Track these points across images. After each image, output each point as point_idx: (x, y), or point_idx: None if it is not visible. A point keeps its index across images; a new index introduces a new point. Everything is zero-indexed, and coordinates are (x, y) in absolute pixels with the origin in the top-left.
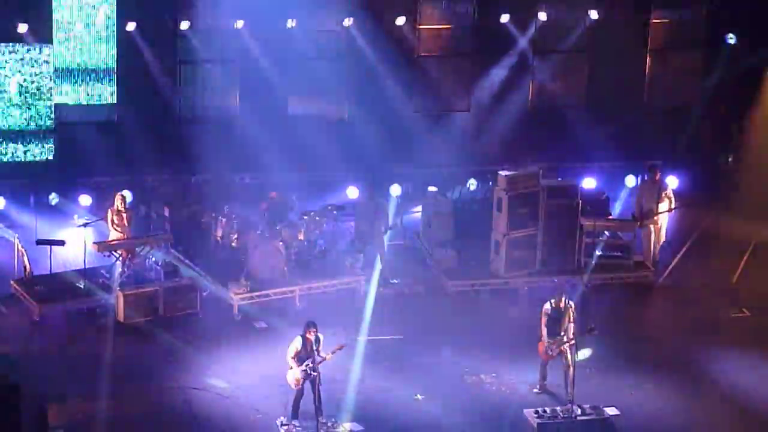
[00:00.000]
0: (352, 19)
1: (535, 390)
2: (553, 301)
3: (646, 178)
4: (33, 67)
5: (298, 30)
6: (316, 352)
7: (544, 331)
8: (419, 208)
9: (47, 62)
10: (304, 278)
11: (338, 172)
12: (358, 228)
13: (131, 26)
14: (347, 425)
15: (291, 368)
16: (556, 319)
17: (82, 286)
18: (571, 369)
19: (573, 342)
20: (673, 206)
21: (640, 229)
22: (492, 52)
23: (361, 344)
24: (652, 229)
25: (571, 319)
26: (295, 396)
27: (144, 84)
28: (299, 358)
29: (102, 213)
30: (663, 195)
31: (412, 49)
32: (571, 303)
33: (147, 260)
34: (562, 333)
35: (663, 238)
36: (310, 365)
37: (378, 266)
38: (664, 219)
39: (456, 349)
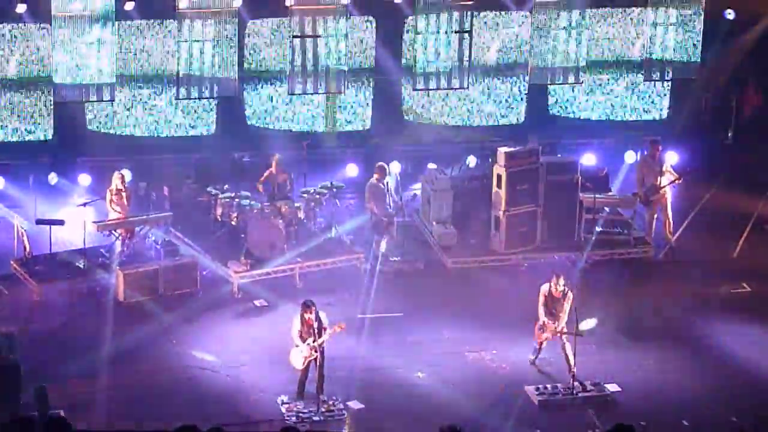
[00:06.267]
0: None
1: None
2: (552, 284)
3: (645, 153)
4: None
5: (297, 8)
6: (316, 332)
7: (542, 311)
8: (418, 185)
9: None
10: (303, 256)
11: (338, 149)
12: (376, 211)
13: (130, 5)
14: (348, 403)
15: (295, 347)
16: (553, 303)
17: (82, 266)
18: (571, 357)
19: (565, 332)
20: (676, 177)
21: (643, 206)
22: (488, 28)
23: (361, 322)
24: (659, 205)
25: (568, 308)
26: (299, 377)
27: (143, 63)
28: (301, 337)
29: (101, 193)
30: (663, 170)
31: (410, 26)
32: (570, 293)
33: (146, 239)
34: (557, 322)
35: (671, 214)
36: (311, 345)
37: (383, 245)
38: (669, 194)
39: (457, 326)
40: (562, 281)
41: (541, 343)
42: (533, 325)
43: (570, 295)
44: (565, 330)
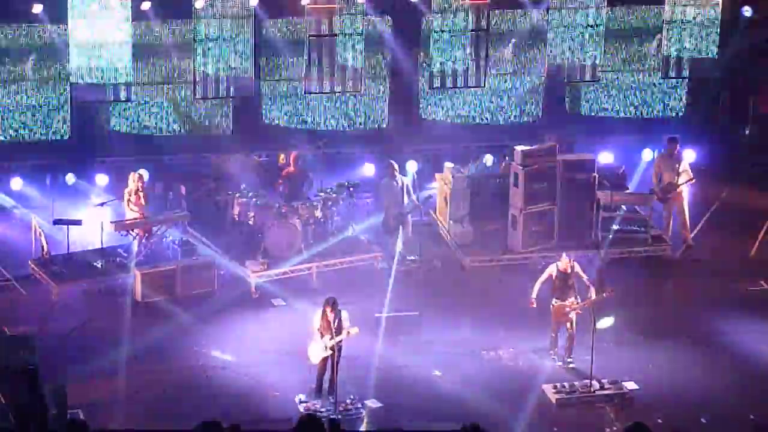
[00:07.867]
0: None
1: (554, 358)
2: (559, 263)
3: (663, 151)
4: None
5: (313, 7)
6: (334, 331)
7: (537, 287)
8: (435, 184)
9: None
10: (321, 255)
11: (354, 149)
12: (388, 209)
13: (146, 5)
14: (366, 402)
15: (314, 341)
16: (563, 283)
17: (99, 266)
18: (573, 335)
19: (586, 306)
20: (691, 177)
21: (661, 204)
22: (505, 27)
23: (378, 321)
24: (675, 203)
25: (585, 282)
26: (317, 373)
27: (160, 63)
28: (319, 333)
29: (119, 193)
30: (681, 168)
31: (426, 25)
32: (576, 263)
33: (164, 239)
34: (574, 297)
35: (688, 213)
36: (328, 342)
37: (399, 243)
38: (685, 192)
39: (474, 324)
40: (565, 256)
41: (558, 330)
42: (549, 323)
43: (576, 265)
44: (595, 297)
